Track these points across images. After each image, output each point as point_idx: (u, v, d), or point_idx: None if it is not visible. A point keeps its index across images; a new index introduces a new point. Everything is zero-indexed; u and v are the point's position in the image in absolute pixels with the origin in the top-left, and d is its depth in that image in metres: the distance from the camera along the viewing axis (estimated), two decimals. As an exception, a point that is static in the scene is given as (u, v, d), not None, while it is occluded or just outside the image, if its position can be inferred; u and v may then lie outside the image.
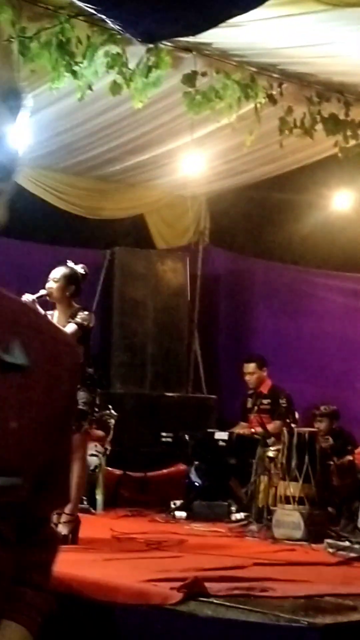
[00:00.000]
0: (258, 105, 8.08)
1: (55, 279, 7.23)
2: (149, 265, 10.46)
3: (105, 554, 6.51)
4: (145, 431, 9.78)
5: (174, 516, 8.54)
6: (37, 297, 7.13)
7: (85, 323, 7.12)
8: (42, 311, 7.06)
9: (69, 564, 5.87)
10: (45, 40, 6.86)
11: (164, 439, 9.37)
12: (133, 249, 10.58)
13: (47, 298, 7.20)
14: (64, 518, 6.98)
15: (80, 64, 7.03)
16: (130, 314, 10.33)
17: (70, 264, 7.34)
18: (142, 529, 7.72)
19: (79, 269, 7.33)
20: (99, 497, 8.87)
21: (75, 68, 7.02)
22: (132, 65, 7.30)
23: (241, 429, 9.31)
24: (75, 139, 8.84)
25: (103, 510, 8.83)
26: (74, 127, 8.56)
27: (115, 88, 7.42)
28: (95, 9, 4.59)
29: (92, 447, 8.90)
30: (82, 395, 7.06)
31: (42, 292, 7.18)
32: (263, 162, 9.92)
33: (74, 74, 7.03)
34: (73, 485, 7.04)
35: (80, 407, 7.03)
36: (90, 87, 7.25)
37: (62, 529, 6.92)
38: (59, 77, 7.02)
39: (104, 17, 4.63)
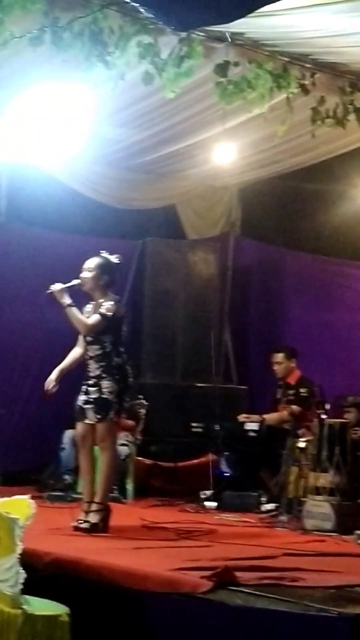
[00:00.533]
0: (290, 95, 8.06)
1: (89, 269, 7.26)
2: (180, 255, 10.46)
3: (136, 542, 6.53)
4: (175, 421, 9.81)
5: (203, 506, 8.56)
6: (68, 287, 7.17)
7: (109, 314, 7.15)
8: (69, 300, 7.14)
9: (99, 552, 5.92)
10: (78, 30, 6.89)
11: (194, 429, 9.38)
12: (164, 240, 10.58)
13: (81, 288, 7.23)
14: (94, 507, 7.03)
15: (113, 54, 7.05)
16: (161, 304, 10.34)
17: (104, 253, 7.35)
18: (172, 519, 7.75)
19: (113, 259, 7.35)
20: (130, 486, 8.91)
21: (108, 58, 7.04)
22: (164, 55, 7.31)
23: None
24: (107, 129, 8.84)
25: (133, 499, 8.87)
26: (106, 117, 8.57)
27: (147, 78, 7.44)
28: (129, -2, 4.60)
29: (123, 437, 8.95)
30: (107, 385, 7.12)
31: (75, 281, 7.22)
32: (295, 153, 9.89)
33: (106, 64, 7.05)
34: (102, 474, 7.09)
35: (105, 396, 7.10)
36: (122, 77, 7.26)
37: (93, 518, 6.97)
38: (91, 67, 7.04)
39: (136, 5, 4.62)
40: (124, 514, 7.70)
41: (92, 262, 7.27)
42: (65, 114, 7.65)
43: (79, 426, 7.24)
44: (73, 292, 7.21)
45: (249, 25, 7.07)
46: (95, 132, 8.72)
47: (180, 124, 8.96)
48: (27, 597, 4.84)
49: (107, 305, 7.15)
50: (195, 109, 8.61)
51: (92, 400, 7.13)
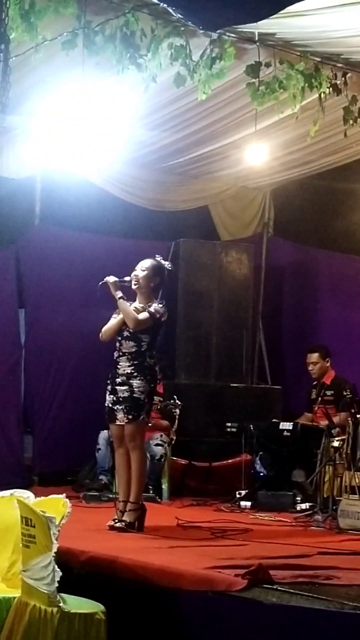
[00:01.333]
0: (322, 95, 8.06)
1: (143, 268, 7.34)
2: (213, 256, 10.48)
3: (171, 541, 6.57)
4: (210, 421, 9.83)
5: (239, 506, 8.57)
6: (120, 281, 7.24)
7: (158, 315, 7.24)
8: (121, 293, 7.19)
9: (134, 551, 5.96)
10: (110, 33, 6.94)
11: (228, 429, 9.40)
12: (197, 241, 10.61)
13: (132, 286, 7.29)
14: (129, 506, 7.08)
15: (145, 57, 7.09)
16: (195, 305, 10.37)
17: (159, 258, 7.45)
18: (207, 518, 7.77)
19: (167, 264, 7.47)
20: (165, 486, 8.95)
21: (140, 61, 7.08)
22: (195, 57, 7.34)
23: (306, 419, 9.30)
24: (139, 131, 8.89)
25: (169, 499, 8.91)
26: (138, 120, 8.62)
27: (179, 80, 7.47)
28: (157, -2, 4.64)
29: (158, 437, 8.99)
30: (138, 384, 7.14)
31: (127, 278, 7.29)
32: (327, 153, 9.88)
33: (139, 66, 7.10)
34: (134, 474, 7.13)
35: (136, 395, 7.12)
36: (154, 80, 7.30)
37: (128, 517, 7.02)
38: (124, 70, 7.09)
39: (166, 5, 4.66)
40: (160, 514, 7.73)
41: (146, 263, 7.35)
42: (98, 117, 7.72)
43: (112, 428, 7.30)
44: (122, 288, 7.28)
45: (280, 26, 7.09)
46: (128, 134, 8.80)
47: (213, 126, 8.99)
48: (63, 595, 4.89)
49: (157, 307, 7.25)
50: (227, 111, 8.63)
51: (121, 399, 7.14)
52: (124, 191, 10.04)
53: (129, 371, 7.17)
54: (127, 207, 10.17)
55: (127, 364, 7.19)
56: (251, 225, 11.31)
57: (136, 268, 7.32)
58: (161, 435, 9.06)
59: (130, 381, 7.14)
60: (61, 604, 4.80)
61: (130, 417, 7.13)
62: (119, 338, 7.25)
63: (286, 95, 7.86)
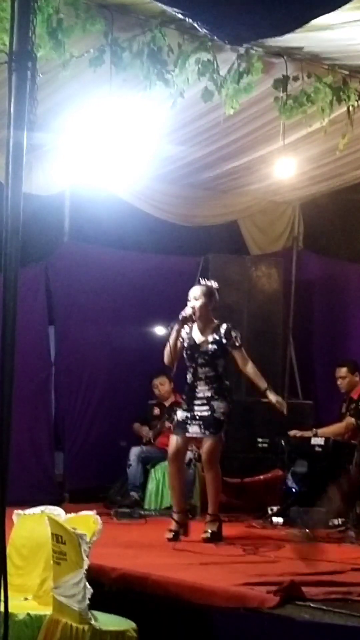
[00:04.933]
0: (350, 108, 8.02)
1: (197, 297, 7.60)
2: (243, 271, 10.46)
3: (202, 557, 6.53)
4: (241, 437, 9.77)
5: (271, 522, 8.52)
6: (184, 317, 7.50)
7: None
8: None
9: (166, 568, 5.93)
10: (137, 49, 6.95)
11: (260, 445, 9.36)
12: (227, 255, 10.59)
13: (193, 316, 7.54)
14: (208, 518, 7.46)
15: (172, 72, 7.10)
16: (225, 320, 10.27)
17: (203, 281, 7.75)
18: (239, 534, 7.74)
19: (214, 284, 7.74)
20: (197, 502, 8.90)
21: (167, 76, 7.08)
22: (223, 71, 7.33)
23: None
24: (167, 147, 8.90)
25: (200, 515, 8.84)
26: (166, 135, 8.63)
27: (207, 95, 7.47)
28: (182, 13, 4.62)
29: (189, 453, 8.95)
30: (219, 405, 7.52)
31: (189, 311, 7.52)
32: (356, 166, 9.84)
33: (166, 82, 7.10)
34: (212, 488, 7.53)
35: (216, 415, 7.49)
36: (182, 95, 7.30)
37: (211, 527, 7.40)
38: (151, 85, 7.09)
39: (191, 20, 4.66)
40: (191, 530, 7.69)
41: (197, 291, 7.63)
42: (126, 133, 7.73)
43: (177, 439, 7.51)
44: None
45: (307, 40, 7.07)
46: (156, 150, 8.80)
47: (241, 140, 8.98)
48: (94, 612, 4.87)
49: (238, 334, 7.68)
50: (255, 125, 8.62)
51: (198, 417, 7.48)
52: (153, 206, 10.04)
53: (209, 394, 7.54)
54: (156, 223, 10.18)
55: (206, 387, 7.55)
56: (281, 239, 11.29)
57: (190, 298, 7.57)
58: (192, 451, 9.02)
59: (212, 402, 7.52)
60: (92, 622, 4.78)
61: (207, 432, 7.47)
62: (194, 364, 7.55)
63: (314, 109, 7.84)
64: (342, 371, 9.35)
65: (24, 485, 8.87)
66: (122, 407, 9.47)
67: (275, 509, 8.72)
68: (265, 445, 9.32)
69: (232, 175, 10.00)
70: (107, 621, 4.92)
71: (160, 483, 8.99)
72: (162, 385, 9.56)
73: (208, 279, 10.24)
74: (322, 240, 11.35)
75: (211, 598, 5.26)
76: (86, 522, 5.07)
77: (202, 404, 7.50)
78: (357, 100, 8.00)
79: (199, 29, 4.89)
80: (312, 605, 5.02)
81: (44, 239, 9.76)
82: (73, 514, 5.19)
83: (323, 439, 8.85)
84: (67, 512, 5.23)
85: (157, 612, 5.42)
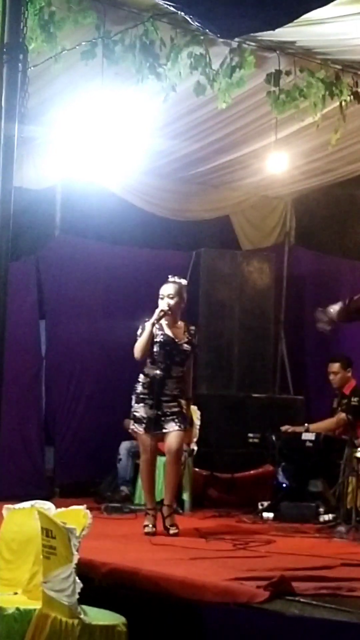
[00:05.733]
0: (343, 103, 8.02)
1: (171, 296, 7.59)
2: (234, 266, 10.45)
3: (192, 553, 6.52)
4: (231, 432, 9.78)
5: (261, 517, 8.52)
6: (164, 312, 7.54)
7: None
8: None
9: (156, 563, 5.93)
10: (129, 43, 6.93)
11: (250, 440, 9.34)
12: (218, 250, 10.58)
13: (167, 314, 7.57)
14: (167, 511, 7.52)
15: (164, 66, 7.08)
16: (216, 315, 10.34)
17: (172, 278, 7.72)
18: (229, 529, 7.73)
19: (184, 282, 7.75)
20: (186, 497, 8.90)
21: (159, 70, 7.07)
22: (215, 65, 7.32)
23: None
24: (159, 141, 8.88)
25: (190, 510, 8.86)
26: (158, 129, 8.61)
27: (199, 89, 7.46)
28: (174, 6, 4.62)
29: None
30: (184, 403, 7.63)
31: (165, 307, 7.54)
32: (349, 161, 9.84)
33: (158, 75, 7.08)
34: (174, 479, 7.67)
35: (184, 411, 7.61)
36: (174, 89, 7.28)
37: (173, 522, 7.46)
38: (143, 79, 7.07)
39: (183, 14, 4.65)
40: (181, 525, 7.69)
41: (171, 289, 7.61)
42: (118, 126, 7.71)
43: (149, 437, 7.53)
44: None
45: (300, 34, 7.06)
46: (148, 144, 8.79)
47: (233, 135, 8.97)
48: (84, 607, 4.86)
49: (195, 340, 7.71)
50: (247, 119, 8.61)
51: (169, 413, 7.54)
52: (145, 201, 10.03)
53: (176, 393, 7.59)
54: (147, 217, 10.16)
55: (174, 386, 7.60)
56: (272, 234, 11.28)
57: (163, 296, 7.57)
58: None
59: (178, 400, 7.59)
60: (82, 616, 4.77)
61: (183, 426, 7.57)
62: (168, 361, 7.56)
63: (307, 104, 7.83)
64: (335, 367, 9.36)
65: (14, 480, 8.87)
66: (113, 402, 9.45)
67: (265, 504, 8.72)
68: (256, 440, 9.30)
69: (224, 170, 9.99)
70: (97, 616, 4.91)
71: (150, 478, 8.97)
72: None
73: (199, 274, 10.31)
74: (314, 236, 11.35)
75: (201, 593, 5.25)
76: (76, 516, 5.06)
77: (169, 401, 7.55)
78: (349, 95, 7.99)
79: (191, 22, 4.89)
80: (301, 600, 5.02)
81: (35, 233, 9.73)
82: (63, 509, 5.18)
83: (314, 434, 8.86)
84: (57, 506, 5.21)
85: (146, 607, 5.41)
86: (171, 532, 7.36)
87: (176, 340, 7.60)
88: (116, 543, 6.90)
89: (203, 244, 10.50)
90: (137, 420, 7.59)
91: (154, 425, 7.50)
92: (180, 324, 7.67)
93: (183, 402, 7.62)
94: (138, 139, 8.51)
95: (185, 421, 7.61)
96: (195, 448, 9.11)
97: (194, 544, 6.96)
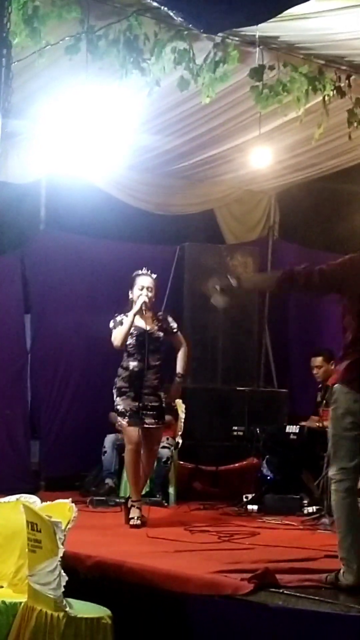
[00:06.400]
0: (326, 97, 8.04)
1: (150, 288, 7.78)
2: (219, 260, 10.45)
3: (177, 545, 6.56)
4: (216, 425, 9.82)
5: (246, 509, 8.56)
6: (141, 308, 7.70)
7: None
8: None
9: (141, 555, 5.96)
10: (113, 37, 6.93)
11: (235, 433, 9.39)
12: (203, 244, 10.61)
13: (148, 305, 7.75)
14: (139, 503, 7.60)
15: (148, 61, 7.09)
16: (201, 309, 10.35)
17: (146, 271, 7.86)
18: (214, 522, 7.77)
19: (154, 275, 7.88)
20: (172, 490, 8.93)
21: (143, 65, 7.08)
22: (199, 60, 7.33)
23: (312, 422, 9.29)
24: (144, 135, 8.89)
25: (175, 503, 8.89)
26: (142, 124, 8.62)
27: (183, 84, 7.47)
28: (158, 2, 4.64)
29: (164, 440, 8.98)
30: (163, 396, 7.77)
31: (146, 300, 7.71)
32: (332, 155, 9.88)
33: (142, 70, 7.09)
34: (148, 472, 7.85)
35: (164, 405, 7.80)
36: (158, 84, 7.30)
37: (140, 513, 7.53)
38: (127, 74, 7.08)
39: (166, 9, 4.67)
40: (166, 518, 7.73)
41: (149, 282, 7.79)
42: (102, 121, 7.72)
43: (137, 430, 7.62)
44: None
45: (283, 29, 7.08)
46: (132, 138, 8.80)
47: (217, 129, 8.99)
48: (69, 599, 4.88)
49: (173, 321, 7.88)
50: (231, 114, 8.63)
51: (150, 407, 7.66)
52: (129, 195, 10.04)
53: (155, 384, 7.72)
54: (132, 212, 10.17)
55: (154, 377, 7.72)
56: (257, 228, 11.31)
57: (142, 287, 7.74)
58: (167, 439, 9.05)
59: (158, 393, 7.72)
60: (67, 609, 4.80)
61: (160, 422, 7.75)
62: (143, 351, 7.66)
63: (290, 99, 7.85)
64: (318, 360, 9.40)
65: (-1, 474, 8.89)
66: (98, 396, 9.46)
67: (250, 496, 8.76)
68: (241, 433, 9.36)
69: (209, 164, 10.01)
70: (82, 608, 4.94)
71: (135, 471, 8.99)
72: None
73: (184, 268, 10.33)
74: (298, 230, 11.38)
75: (186, 585, 5.29)
76: (61, 509, 5.08)
77: (150, 394, 7.67)
78: (332, 90, 8.02)
79: (175, 17, 4.91)
80: (285, 592, 5.06)
81: (20, 228, 9.72)
82: (48, 502, 5.20)
83: (298, 427, 8.91)
84: (42, 500, 5.23)
85: (132, 600, 5.44)
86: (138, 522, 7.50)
87: (147, 329, 7.72)
88: (101, 536, 6.92)
89: (187, 238, 10.52)
90: (121, 414, 7.70)
91: (137, 418, 7.61)
92: (148, 313, 7.78)
93: (162, 394, 7.74)
94: (122, 134, 8.52)
95: (163, 417, 7.76)
96: (180, 441, 9.15)
97: (179, 537, 6.99)
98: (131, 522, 7.46)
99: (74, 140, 7.90)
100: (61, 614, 4.77)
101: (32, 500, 5.18)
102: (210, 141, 9.31)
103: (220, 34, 7.17)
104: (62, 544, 4.78)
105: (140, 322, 7.72)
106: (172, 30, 7.12)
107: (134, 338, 7.68)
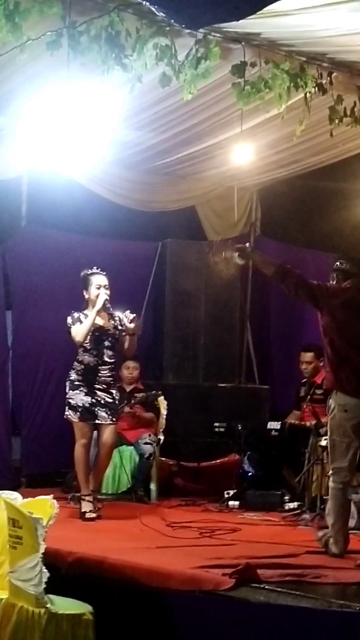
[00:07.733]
0: (308, 94, 8.05)
1: (107, 286, 8.00)
2: (200, 256, 10.47)
3: (159, 541, 6.58)
4: (198, 421, 9.83)
5: (227, 505, 8.59)
6: (104, 305, 7.93)
7: None
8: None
9: (122, 552, 5.97)
10: (95, 33, 6.91)
11: (216, 429, 9.40)
12: (184, 241, 10.61)
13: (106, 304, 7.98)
14: (93, 496, 7.84)
15: (130, 57, 7.07)
16: (182, 305, 10.37)
17: (97, 269, 8.15)
18: (196, 518, 7.79)
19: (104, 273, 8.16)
20: (153, 486, 8.94)
21: (125, 61, 7.05)
22: (181, 57, 7.31)
23: (294, 418, 9.31)
24: (125, 132, 8.88)
25: (157, 499, 8.90)
26: (124, 120, 8.61)
27: (164, 80, 7.44)
28: (139, -4, 4.63)
29: (146, 436, 9.00)
30: (115, 392, 7.98)
31: (107, 298, 7.96)
32: (313, 152, 9.89)
33: (124, 66, 7.07)
34: (105, 467, 8.15)
35: (116, 402, 7.99)
36: (139, 80, 7.28)
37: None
38: (109, 70, 7.06)
39: (148, 4, 4.66)
40: (148, 514, 7.74)
41: (106, 280, 8.04)
42: (84, 117, 7.70)
43: (87, 426, 7.83)
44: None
45: (265, 26, 7.08)
46: (114, 135, 8.78)
47: (199, 126, 8.98)
48: (50, 596, 4.89)
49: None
50: (213, 111, 8.62)
51: (103, 402, 7.80)
52: (111, 192, 10.03)
53: (109, 380, 7.88)
54: (114, 208, 10.16)
55: (108, 373, 7.89)
56: (238, 225, 11.31)
57: (99, 285, 7.98)
58: (149, 435, 9.07)
59: (110, 389, 7.87)
60: (49, 605, 4.80)
61: (114, 418, 7.85)
62: (99, 347, 7.85)
63: (272, 95, 7.84)
64: (308, 356, 9.40)
65: (-20, 471, 8.87)
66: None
67: (231, 492, 8.78)
68: (222, 429, 9.36)
69: (190, 161, 10.00)
70: (64, 605, 4.95)
71: (117, 467, 8.99)
72: (136, 370, 9.52)
73: (166, 265, 10.33)
74: (279, 226, 11.40)
75: (167, 581, 5.31)
76: (42, 506, 5.08)
77: (103, 390, 7.82)
78: (314, 87, 8.01)
79: (156, 13, 4.89)
80: (266, 587, 5.09)
81: (1, 224, 9.70)
82: (30, 499, 5.20)
83: (279, 423, 8.93)
84: (24, 496, 5.23)
85: (113, 596, 5.45)
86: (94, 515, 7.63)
87: (103, 325, 7.89)
88: (83, 532, 6.94)
89: (169, 235, 10.53)
90: (72, 408, 7.83)
91: (88, 414, 7.77)
92: (103, 312, 7.97)
93: (115, 392, 7.91)
94: (104, 130, 8.50)
95: (115, 413, 7.92)
96: (162, 437, 9.17)
97: (161, 533, 7.00)
98: (86, 516, 7.54)
99: (55, 137, 7.87)
100: (42, 611, 4.77)
101: (14, 496, 5.18)
102: (192, 138, 9.31)
103: (202, 30, 7.15)
104: (43, 540, 4.78)
105: (97, 320, 7.90)
106: (154, 27, 7.10)
107: (91, 334, 7.83)
